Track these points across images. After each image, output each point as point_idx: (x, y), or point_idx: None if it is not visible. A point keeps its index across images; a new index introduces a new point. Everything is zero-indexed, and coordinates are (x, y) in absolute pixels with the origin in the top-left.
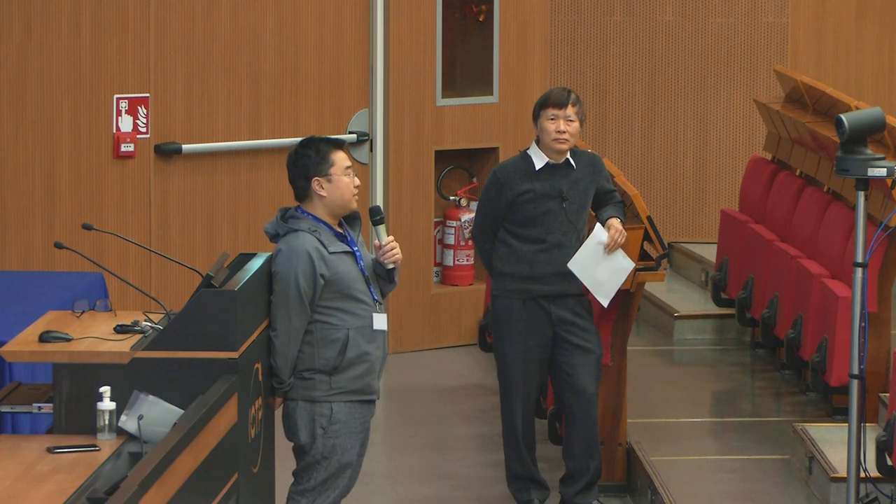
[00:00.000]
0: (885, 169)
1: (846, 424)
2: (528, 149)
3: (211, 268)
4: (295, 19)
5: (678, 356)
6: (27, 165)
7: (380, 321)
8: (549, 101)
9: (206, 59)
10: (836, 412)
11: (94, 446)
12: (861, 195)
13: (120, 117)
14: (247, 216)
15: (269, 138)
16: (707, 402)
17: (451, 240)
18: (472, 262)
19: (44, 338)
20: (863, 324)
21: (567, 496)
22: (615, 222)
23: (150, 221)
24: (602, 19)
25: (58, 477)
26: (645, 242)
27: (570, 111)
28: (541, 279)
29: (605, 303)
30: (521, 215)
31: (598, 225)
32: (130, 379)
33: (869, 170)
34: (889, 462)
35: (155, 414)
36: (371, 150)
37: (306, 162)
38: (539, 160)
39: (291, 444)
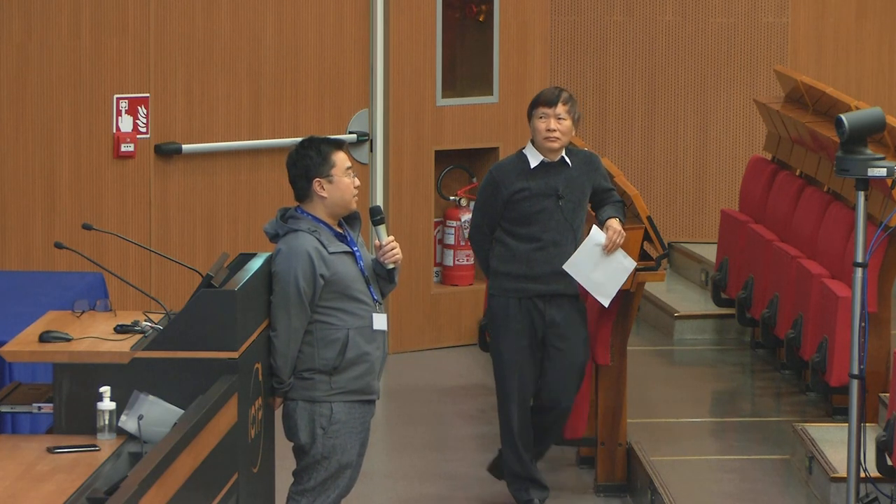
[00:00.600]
0: (885, 169)
1: (846, 424)
2: (523, 148)
3: (211, 268)
4: (295, 19)
5: (678, 356)
6: (27, 165)
7: (380, 321)
8: (540, 101)
9: (206, 59)
10: (836, 412)
11: (94, 446)
12: (861, 195)
13: (120, 117)
14: (247, 216)
15: (269, 138)
16: (707, 402)
17: (451, 240)
18: (472, 263)
19: (44, 338)
20: (863, 324)
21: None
22: (613, 223)
23: (150, 221)
24: (602, 19)
25: (58, 477)
26: (645, 242)
27: (560, 109)
28: (537, 278)
29: (605, 303)
30: (516, 213)
31: (594, 227)
32: (130, 379)
33: (869, 170)
34: (889, 462)
35: (155, 414)
36: (371, 151)
37: (307, 162)
38: (534, 159)
39: (291, 444)
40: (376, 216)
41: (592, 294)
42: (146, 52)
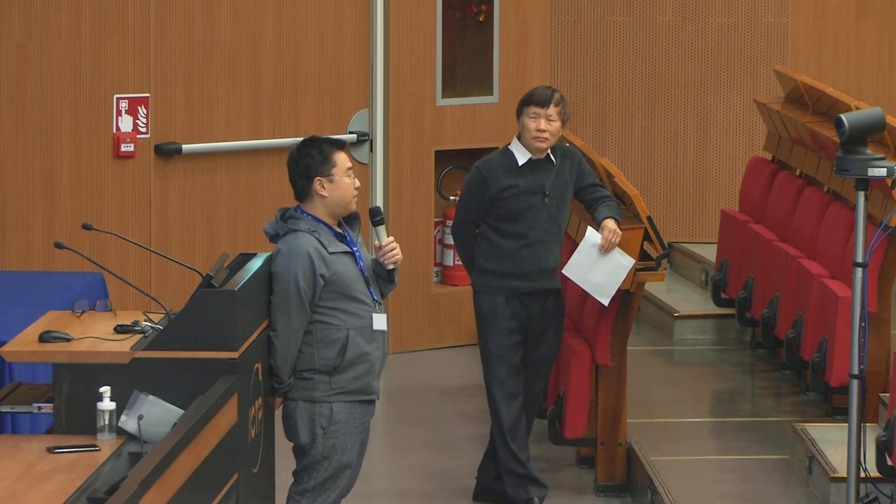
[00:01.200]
0: (885, 169)
1: (846, 424)
2: (509, 144)
3: (211, 268)
4: (295, 19)
5: (678, 356)
6: (27, 165)
7: (379, 321)
8: (532, 99)
9: (206, 59)
10: (836, 412)
11: (94, 446)
12: (861, 195)
13: (120, 117)
14: (247, 216)
15: (269, 138)
16: (707, 402)
17: (451, 240)
18: None
19: (44, 338)
20: (863, 324)
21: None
22: (609, 223)
23: (150, 221)
24: (602, 19)
25: (58, 477)
26: (645, 242)
27: (551, 111)
28: (523, 276)
29: (605, 302)
30: (503, 211)
31: (589, 228)
32: (130, 379)
33: (869, 170)
34: (889, 462)
35: (155, 414)
36: (371, 150)
37: (308, 161)
38: (521, 156)
39: (291, 444)
40: (376, 217)
41: (592, 295)
42: (146, 52)
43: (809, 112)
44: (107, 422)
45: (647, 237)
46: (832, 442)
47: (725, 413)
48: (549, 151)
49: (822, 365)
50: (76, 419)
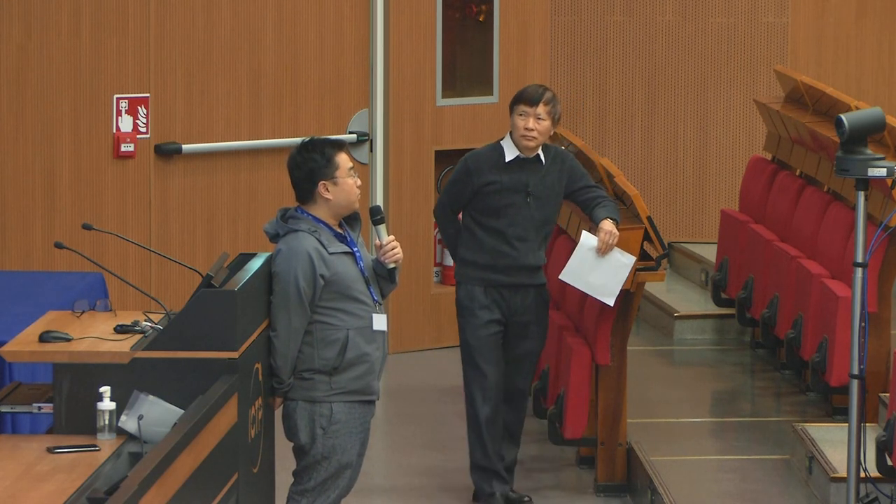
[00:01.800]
0: (885, 169)
1: (846, 424)
2: (501, 139)
3: (211, 268)
4: (295, 19)
5: (678, 356)
6: (27, 165)
7: (379, 322)
8: (523, 98)
9: (206, 59)
10: (836, 412)
11: (94, 446)
12: (861, 195)
13: (120, 117)
14: (247, 216)
15: (270, 138)
16: (707, 402)
17: None
18: None
19: (44, 338)
20: (863, 324)
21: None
22: (605, 224)
23: (150, 221)
24: (602, 19)
25: (58, 477)
26: (645, 242)
27: (540, 110)
28: (500, 270)
29: (610, 302)
30: (485, 205)
31: (584, 232)
32: (130, 379)
33: (869, 170)
34: (889, 462)
35: (155, 414)
36: (371, 150)
37: (312, 166)
38: (510, 152)
39: (291, 444)
40: (376, 216)
41: (595, 296)
42: (146, 52)
43: (809, 112)
44: (107, 422)
45: (647, 237)
46: (832, 442)
47: (725, 413)
48: (539, 151)
49: (822, 365)
50: (76, 419)
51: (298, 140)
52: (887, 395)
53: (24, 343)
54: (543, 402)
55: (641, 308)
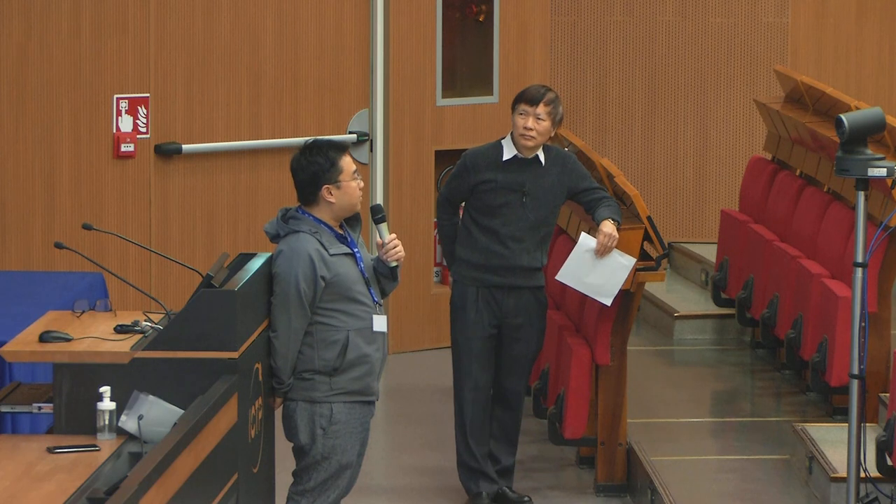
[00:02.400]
0: (885, 169)
1: (846, 424)
2: (503, 138)
3: (211, 268)
4: (295, 19)
5: (678, 356)
6: (27, 165)
7: (379, 323)
8: (524, 97)
9: (206, 59)
10: (836, 412)
11: (94, 446)
12: (861, 195)
13: (120, 117)
14: (247, 216)
15: (269, 138)
16: (707, 402)
17: None
18: None
19: (44, 338)
20: (863, 324)
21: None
22: (605, 226)
23: (150, 221)
24: (602, 19)
25: (58, 477)
26: (645, 242)
27: (540, 110)
28: (494, 270)
29: (607, 302)
30: (481, 203)
31: (583, 234)
32: (130, 379)
33: (869, 170)
34: (889, 462)
35: (155, 414)
36: (371, 150)
37: (316, 170)
38: (509, 152)
39: (291, 444)
40: (377, 215)
41: (592, 297)
42: (146, 52)
43: (809, 112)
44: (107, 422)
45: (647, 237)
46: (832, 442)
47: (725, 413)
48: (539, 152)
49: (822, 365)
50: (76, 419)
51: (298, 140)
52: (887, 395)
53: (24, 343)
54: (543, 402)
55: (641, 308)
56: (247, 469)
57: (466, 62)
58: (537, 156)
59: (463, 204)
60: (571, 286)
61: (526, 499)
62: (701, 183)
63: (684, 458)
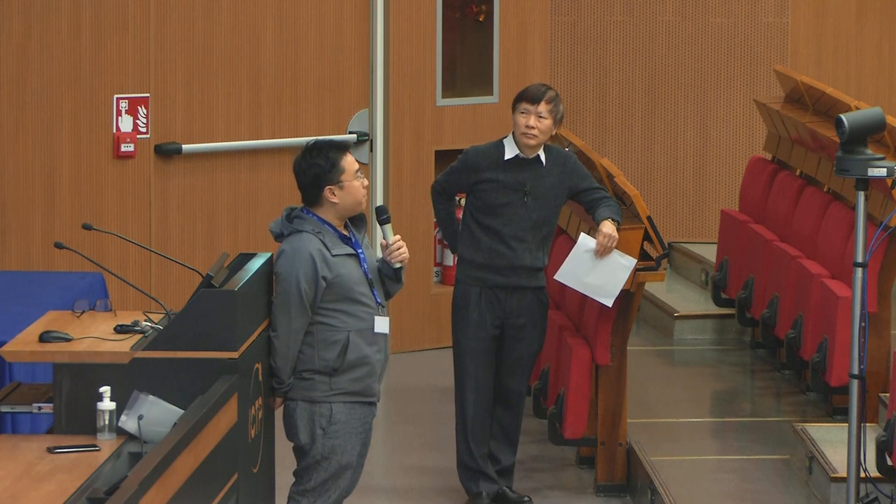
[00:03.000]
0: (885, 169)
1: (846, 424)
2: (504, 137)
3: (211, 268)
4: (295, 19)
5: (678, 356)
6: (27, 165)
7: (381, 324)
8: (525, 96)
9: (206, 59)
10: (836, 412)
11: (94, 446)
12: (861, 195)
13: (120, 117)
14: (247, 216)
15: (269, 138)
16: (707, 402)
17: None
18: None
19: (44, 338)
20: (863, 324)
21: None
22: (604, 226)
23: (150, 221)
24: (602, 19)
25: (58, 477)
26: (645, 242)
27: (542, 108)
28: (496, 270)
29: (608, 303)
30: (482, 203)
31: (582, 234)
32: (130, 379)
33: (869, 170)
34: (889, 462)
35: (155, 414)
36: (371, 150)
37: (317, 171)
38: (510, 151)
39: (291, 444)
40: (382, 215)
41: (593, 297)
42: (146, 52)
43: (809, 112)
44: (107, 422)
45: (647, 237)
46: (832, 442)
47: (725, 413)
48: (540, 152)
49: (822, 365)
50: (76, 419)
51: (298, 140)
52: (887, 395)
53: (24, 343)
54: (543, 402)
55: (641, 308)
56: (247, 469)
57: (466, 62)
58: (538, 155)
59: (463, 204)
60: (571, 286)
61: (526, 499)
62: (701, 183)
63: (684, 458)
